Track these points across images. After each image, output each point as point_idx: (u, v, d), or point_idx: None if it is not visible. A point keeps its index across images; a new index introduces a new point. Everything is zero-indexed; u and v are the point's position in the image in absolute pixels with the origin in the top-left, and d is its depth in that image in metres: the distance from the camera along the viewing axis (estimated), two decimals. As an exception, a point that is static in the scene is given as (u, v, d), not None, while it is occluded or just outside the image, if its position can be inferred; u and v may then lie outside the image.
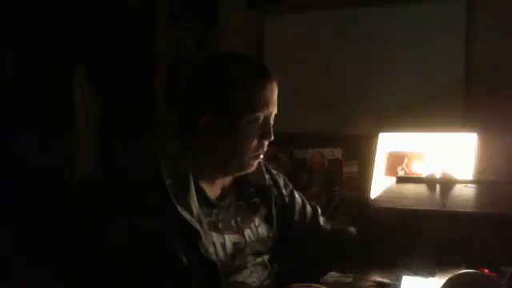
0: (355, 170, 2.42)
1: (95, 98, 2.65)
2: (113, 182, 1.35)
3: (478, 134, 1.95)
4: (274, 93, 1.38)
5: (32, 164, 2.33)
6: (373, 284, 1.36)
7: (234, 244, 1.38)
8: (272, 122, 1.39)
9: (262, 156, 1.42)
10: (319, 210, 1.62)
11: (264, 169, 1.52)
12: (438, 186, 1.41)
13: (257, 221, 1.47)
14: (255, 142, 1.37)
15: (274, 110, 1.39)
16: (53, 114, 2.46)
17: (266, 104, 1.36)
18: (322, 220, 1.60)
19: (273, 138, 1.38)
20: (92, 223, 1.34)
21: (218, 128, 1.35)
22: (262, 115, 1.36)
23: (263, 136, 1.37)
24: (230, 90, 1.35)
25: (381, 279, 1.36)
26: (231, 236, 1.38)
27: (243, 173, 1.43)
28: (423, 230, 1.25)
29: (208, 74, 1.40)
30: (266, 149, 1.40)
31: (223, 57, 1.49)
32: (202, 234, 1.28)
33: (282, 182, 1.57)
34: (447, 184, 1.41)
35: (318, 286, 1.29)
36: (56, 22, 2.48)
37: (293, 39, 2.62)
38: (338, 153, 2.47)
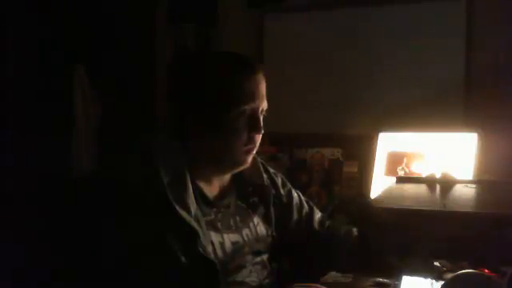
0: (355, 170, 2.42)
1: (95, 97, 2.65)
2: (112, 182, 1.35)
3: (478, 134, 1.94)
4: (260, 86, 1.37)
5: (32, 164, 2.33)
6: (373, 284, 1.37)
7: (233, 243, 1.38)
8: (261, 116, 1.38)
9: (254, 151, 1.40)
10: (317, 210, 1.62)
11: (262, 168, 1.52)
12: (437, 186, 1.41)
13: (255, 220, 1.47)
14: (244, 136, 1.36)
15: (262, 104, 1.37)
16: (53, 113, 2.46)
17: (251, 97, 1.35)
18: (320, 220, 1.60)
19: (262, 131, 1.37)
20: (91, 223, 1.34)
21: (206, 126, 1.36)
22: (248, 108, 1.34)
23: (252, 129, 1.36)
24: (213, 88, 1.35)
25: (381, 279, 1.37)
26: (230, 235, 1.38)
27: (238, 169, 1.43)
28: (423, 230, 1.25)
29: (191, 74, 1.41)
30: (257, 143, 1.39)
31: (208, 56, 1.50)
32: (201, 233, 1.28)
33: (279, 182, 1.57)
34: (447, 184, 1.41)
35: (318, 286, 1.30)
36: (56, 22, 2.48)
37: (293, 39, 2.62)
38: (337, 153, 2.46)
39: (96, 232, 1.32)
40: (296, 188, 1.62)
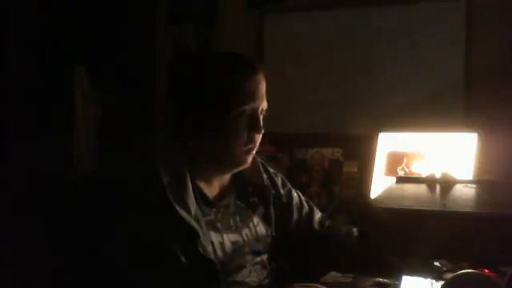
0: (355, 170, 2.42)
1: (95, 98, 2.65)
2: (112, 182, 1.35)
3: (478, 134, 1.94)
4: (260, 86, 1.37)
5: (32, 164, 2.33)
6: (373, 284, 1.37)
7: (233, 243, 1.38)
8: (261, 115, 1.38)
9: (254, 151, 1.40)
10: (317, 210, 1.62)
11: (262, 168, 1.52)
12: (437, 186, 1.41)
13: (255, 220, 1.47)
14: (244, 136, 1.36)
15: (262, 104, 1.37)
16: (53, 114, 2.46)
17: (251, 97, 1.35)
18: (320, 220, 1.60)
19: (262, 131, 1.37)
20: (91, 223, 1.34)
21: (206, 127, 1.36)
22: (248, 108, 1.34)
23: (252, 129, 1.36)
24: (213, 88, 1.35)
25: (381, 279, 1.37)
26: (230, 235, 1.38)
27: (238, 169, 1.43)
28: (423, 230, 1.25)
29: (191, 74, 1.41)
30: (257, 143, 1.39)
31: (208, 56, 1.50)
32: (201, 233, 1.28)
33: (279, 182, 1.56)
34: (447, 184, 1.41)
35: (318, 286, 1.30)
36: (56, 22, 2.48)
37: (293, 39, 2.62)
38: (337, 153, 2.47)
39: (96, 232, 1.32)
40: (296, 188, 1.62)
